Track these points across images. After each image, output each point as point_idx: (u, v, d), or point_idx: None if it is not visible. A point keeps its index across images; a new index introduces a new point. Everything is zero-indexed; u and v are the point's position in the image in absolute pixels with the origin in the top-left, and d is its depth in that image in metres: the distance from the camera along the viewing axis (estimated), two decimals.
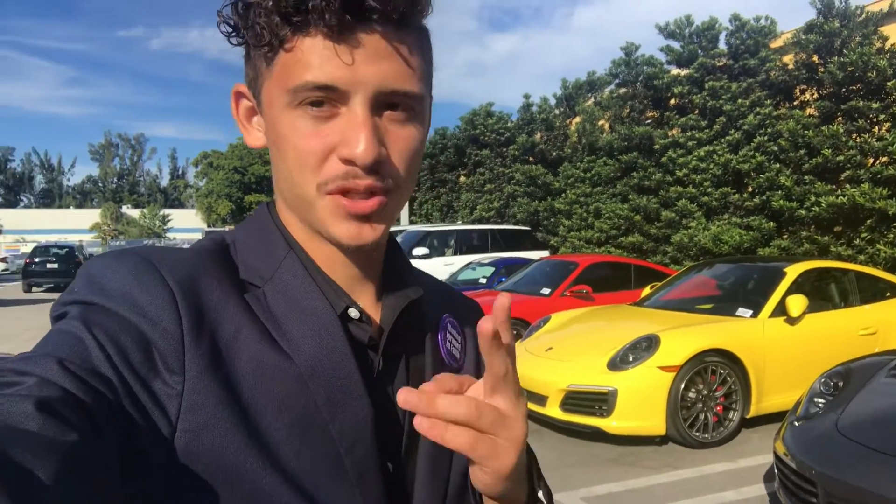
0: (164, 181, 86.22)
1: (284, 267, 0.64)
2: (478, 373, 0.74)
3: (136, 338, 0.53)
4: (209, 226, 52.62)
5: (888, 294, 6.14)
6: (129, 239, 47.78)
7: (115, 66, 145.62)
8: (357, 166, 0.57)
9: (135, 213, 59.97)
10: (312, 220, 0.62)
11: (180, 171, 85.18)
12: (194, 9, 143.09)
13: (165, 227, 55.97)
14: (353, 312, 0.64)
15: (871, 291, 6.10)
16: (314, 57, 0.56)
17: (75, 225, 54.73)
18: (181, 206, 72.76)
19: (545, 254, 13.75)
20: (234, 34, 0.60)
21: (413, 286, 0.70)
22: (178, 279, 0.57)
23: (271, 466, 0.55)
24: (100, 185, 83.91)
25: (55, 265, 21.65)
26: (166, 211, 59.42)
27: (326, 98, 0.57)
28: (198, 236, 43.28)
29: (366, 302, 0.67)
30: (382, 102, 0.58)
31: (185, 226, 55.84)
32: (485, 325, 0.48)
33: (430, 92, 0.64)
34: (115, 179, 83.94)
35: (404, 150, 0.60)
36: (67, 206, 74.35)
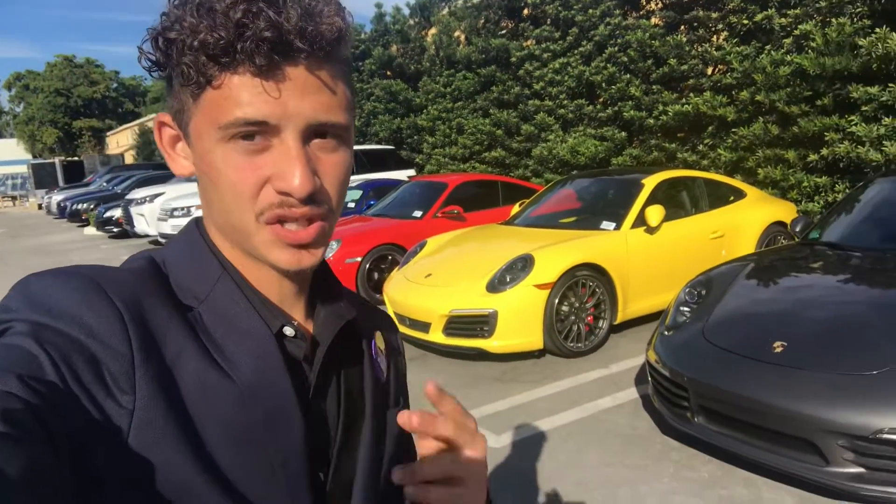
0: None
1: (218, 288, 0.65)
2: (397, 382, 0.81)
3: (87, 359, 0.53)
4: (35, 156, 47.34)
5: (731, 198, 6.68)
6: None
7: None
8: (294, 198, 0.59)
9: None
10: (250, 248, 0.64)
11: None
12: None
13: None
14: (289, 331, 0.66)
15: (717, 196, 6.59)
16: (243, 94, 0.57)
17: None
18: None
19: (411, 173, 13.66)
20: (155, 69, 0.60)
21: (343, 303, 0.73)
22: (123, 300, 0.57)
23: (215, 482, 0.56)
24: None
25: None
26: None
27: (258, 131, 0.58)
28: (23, 169, 38.84)
29: (298, 317, 0.69)
30: (312, 133, 0.60)
31: (5, 158, 49.72)
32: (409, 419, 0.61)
33: (353, 117, 0.66)
34: None
35: (336, 177, 0.63)
36: None
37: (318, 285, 0.73)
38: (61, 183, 32.91)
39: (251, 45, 0.54)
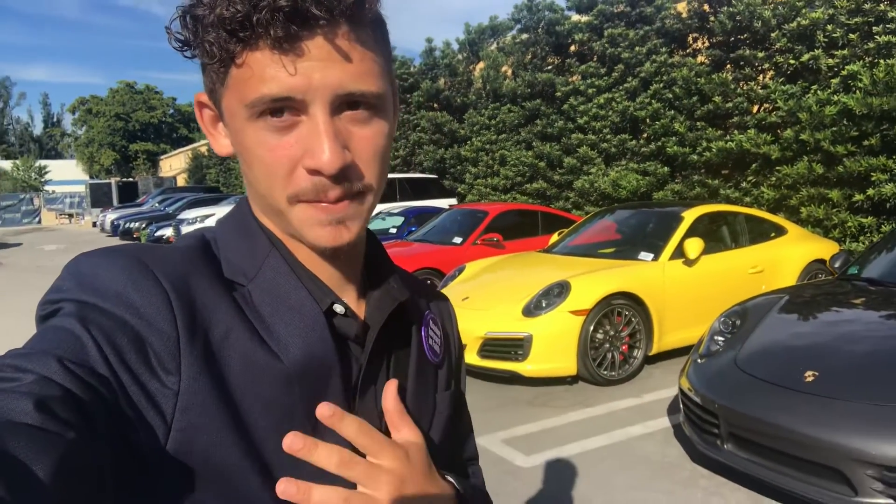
0: (38, 129, 79.37)
1: (268, 265, 0.64)
2: (449, 366, 0.79)
3: (132, 338, 0.53)
4: (92, 177, 49.22)
5: (773, 234, 6.65)
6: (2, 193, 43.93)
7: None
8: (324, 176, 0.57)
9: (6, 164, 55.05)
10: (286, 227, 0.63)
11: (55, 119, 78.57)
12: None
13: (43, 181, 51.85)
14: (339, 308, 0.64)
15: (758, 232, 6.57)
16: (266, 70, 0.55)
17: None
18: (59, 156, 67.49)
19: (453, 201, 13.85)
20: (185, 48, 0.59)
21: (397, 285, 0.71)
22: (171, 280, 0.57)
23: (258, 465, 0.56)
24: None
25: None
26: (43, 162, 54.92)
27: (286, 106, 0.56)
28: (81, 189, 40.47)
29: (349, 298, 0.68)
30: (342, 104, 0.58)
31: (66, 178, 51.90)
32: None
33: (391, 83, 0.63)
34: None
35: (369, 151, 0.60)
36: None
37: (372, 265, 0.72)
38: (115, 203, 34.14)
39: (266, 15, 0.53)
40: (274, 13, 0.53)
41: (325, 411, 0.55)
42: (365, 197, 0.62)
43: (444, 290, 6.14)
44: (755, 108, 9.87)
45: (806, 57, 8.71)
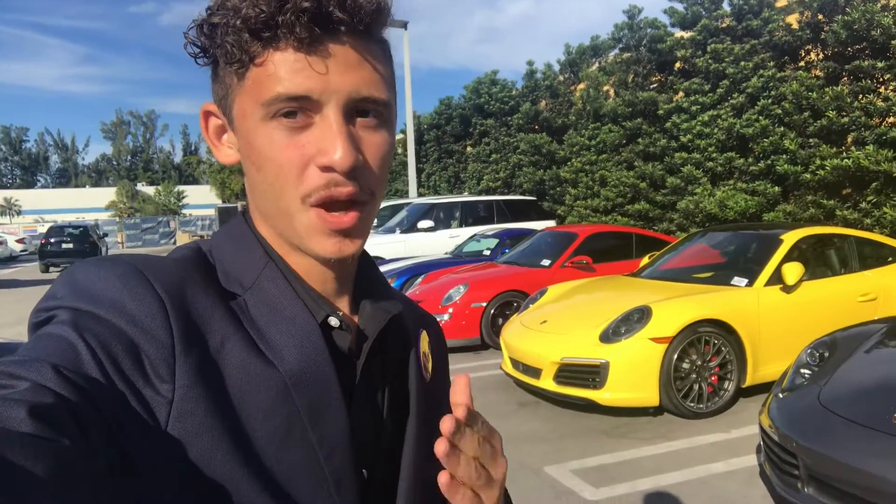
0: (178, 158, 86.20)
1: (264, 276, 0.65)
2: (442, 383, 0.79)
3: (126, 346, 0.53)
4: (224, 201, 52.78)
5: (890, 259, 6.07)
6: (144, 216, 48.06)
7: (127, 42, 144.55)
8: (337, 172, 0.59)
9: (150, 190, 60.20)
10: (291, 235, 0.63)
11: (193, 148, 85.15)
12: None
13: (181, 204, 56.19)
14: (333, 321, 0.65)
15: (873, 257, 6.03)
16: (285, 69, 0.57)
17: (92, 204, 55.16)
18: (195, 182, 72.92)
19: (550, 224, 13.70)
20: (201, 55, 0.62)
21: (389, 299, 0.72)
22: (167, 288, 0.57)
23: (254, 474, 0.56)
24: (114, 163, 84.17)
25: (70, 245, 22.02)
26: (181, 188, 59.59)
27: (300, 108, 0.58)
28: (211, 212, 43.58)
29: (343, 310, 0.69)
30: (354, 110, 0.60)
31: (200, 202, 56.01)
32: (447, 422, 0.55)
33: (395, 98, 0.65)
34: (129, 157, 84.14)
35: (378, 155, 0.62)
36: (83, 186, 74.66)
37: (364, 280, 0.73)
38: None
39: (291, 16, 0.55)
40: (299, 14, 0.55)
41: (448, 426, 0.55)
42: (369, 207, 0.63)
43: (523, 313, 6.09)
44: (875, 122, 9.10)
45: None
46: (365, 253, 0.74)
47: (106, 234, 30.34)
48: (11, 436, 0.40)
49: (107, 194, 58.75)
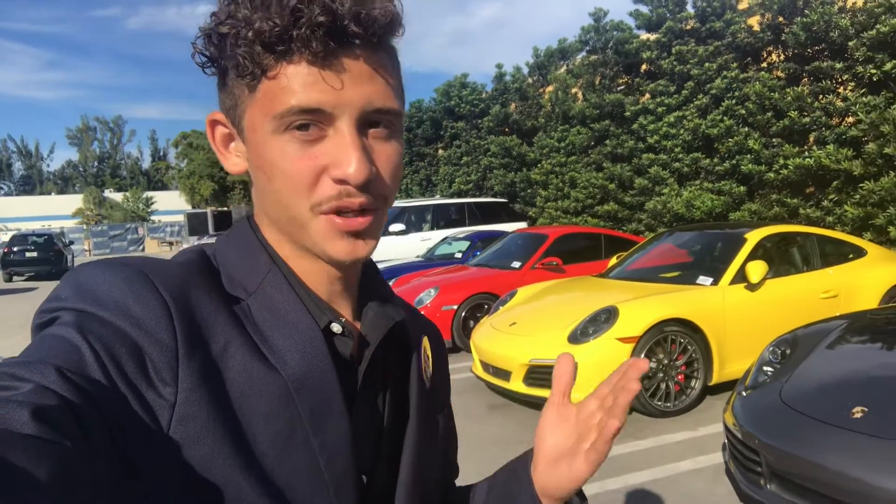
0: (146, 163, 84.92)
1: (268, 281, 0.65)
2: (441, 387, 0.80)
3: (130, 349, 0.53)
4: (193, 207, 52.15)
5: (851, 256, 6.19)
6: (112, 223, 47.27)
7: (93, 47, 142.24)
8: (350, 185, 0.59)
9: (118, 196, 59.14)
10: (304, 240, 0.63)
11: (161, 153, 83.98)
12: None
13: (149, 210, 55.33)
14: (336, 327, 0.65)
15: (835, 254, 6.14)
16: (299, 83, 0.57)
17: (58, 211, 54.10)
18: (164, 188, 71.88)
19: (522, 225, 13.76)
20: (209, 65, 0.61)
21: (393, 306, 0.72)
22: (171, 291, 0.57)
23: (255, 479, 0.56)
24: (80, 169, 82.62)
25: (34, 253, 21.53)
26: (150, 193, 58.68)
27: (313, 121, 0.58)
28: (181, 218, 42.97)
29: (345, 317, 0.69)
30: (366, 121, 0.60)
31: (169, 208, 55.25)
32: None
33: (404, 106, 0.65)
34: (96, 163, 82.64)
35: (390, 166, 0.63)
36: (49, 193, 73.23)
37: (367, 286, 0.73)
38: (211, 230, 35.95)
39: (306, 30, 0.55)
40: (314, 28, 0.55)
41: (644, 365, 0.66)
42: (381, 213, 0.64)
43: (493, 316, 6.09)
44: (834, 122, 9.31)
45: (889, 66, 8.15)
46: (368, 259, 0.73)
47: (72, 242, 29.72)
48: (14, 438, 0.40)
49: (73, 201, 57.66)
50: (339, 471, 0.61)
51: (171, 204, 56.26)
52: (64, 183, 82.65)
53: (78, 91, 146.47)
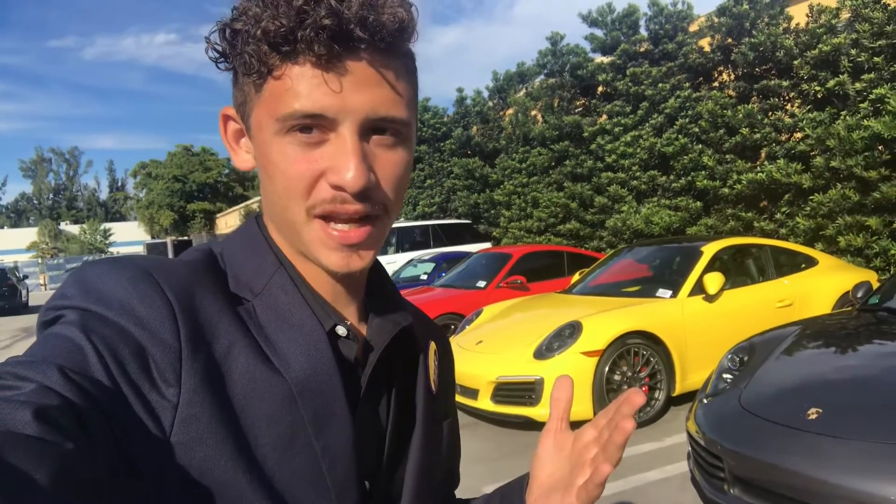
0: (104, 194, 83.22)
1: (274, 282, 0.64)
2: (447, 394, 0.79)
3: (133, 349, 0.53)
4: (152, 237, 51.22)
5: (803, 266, 6.39)
6: (68, 256, 46.09)
7: (47, 77, 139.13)
8: (346, 192, 0.58)
9: (74, 228, 57.84)
10: (299, 244, 0.63)
11: (119, 184, 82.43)
12: (129, 16, 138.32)
13: (108, 242, 54.21)
14: (341, 330, 0.65)
15: (788, 265, 6.34)
16: (303, 85, 0.56)
17: (11, 245, 52.60)
18: (123, 218, 70.59)
19: (486, 245, 13.86)
20: (221, 60, 0.60)
21: (400, 311, 0.71)
22: (175, 291, 0.57)
23: (256, 481, 0.55)
24: (35, 202, 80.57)
25: None
26: (108, 225, 57.55)
27: (315, 124, 0.58)
28: (140, 249, 42.21)
29: (352, 319, 0.68)
30: (370, 128, 0.59)
31: (128, 239, 54.24)
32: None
33: (415, 115, 0.64)
34: (51, 195, 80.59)
35: (392, 175, 0.62)
36: (1, 227, 71.22)
37: (374, 290, 0.72)
38: None
39: (311, 32, 0.54)
40: (319, 31, 0.54)
41: (640, 400, 0.60)
42: (381, 222, 0.63)
43: (460, 335, 6.11)
44: (784, 138, 9.65)
45: (832, 83, 8.51)
46: (377, 262, 0.73)
47: (26, 276, 28.91)
48: (15, 438, 0.40)
49: (28, 235, 56.19)
50: (341, 475, 0.60)
51: (130, 235, 55.28)
52: (17, 216, 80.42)
53: (32, 122, 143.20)
